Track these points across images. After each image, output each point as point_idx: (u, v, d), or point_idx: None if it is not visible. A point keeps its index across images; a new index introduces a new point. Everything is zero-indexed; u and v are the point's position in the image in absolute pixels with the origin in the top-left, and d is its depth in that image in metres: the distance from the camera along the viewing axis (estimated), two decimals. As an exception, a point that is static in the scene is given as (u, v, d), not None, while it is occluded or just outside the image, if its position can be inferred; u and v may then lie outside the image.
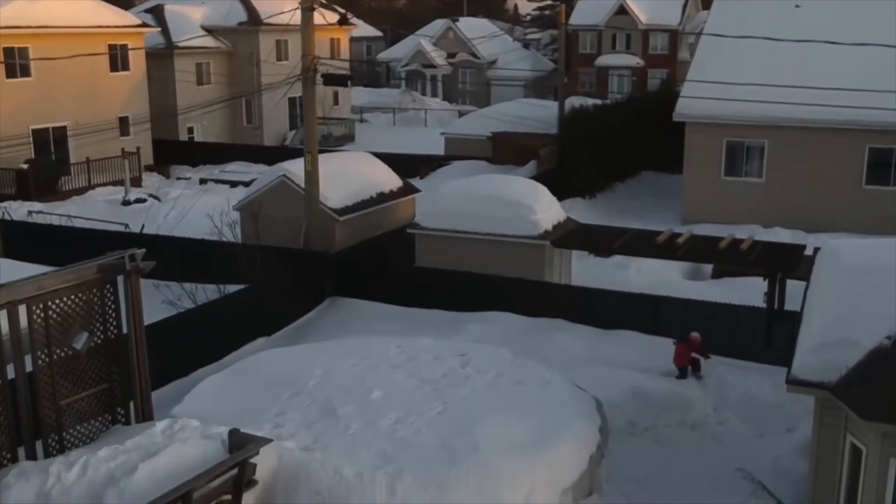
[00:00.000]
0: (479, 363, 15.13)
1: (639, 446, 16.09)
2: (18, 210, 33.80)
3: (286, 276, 21.43)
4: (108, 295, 12.58)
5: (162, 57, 47.27)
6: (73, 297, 12.03)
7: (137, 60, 43.51)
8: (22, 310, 11.42)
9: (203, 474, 10.30)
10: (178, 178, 42.57)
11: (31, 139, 38.39)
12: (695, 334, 18.00)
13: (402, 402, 13.46)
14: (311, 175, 22.37)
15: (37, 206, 34.34)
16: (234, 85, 50.68)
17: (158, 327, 17.06)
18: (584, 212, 33.15)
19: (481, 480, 11.56)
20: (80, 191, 37.81)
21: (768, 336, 19.11)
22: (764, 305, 19.21)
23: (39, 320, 11.68)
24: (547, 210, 21.85)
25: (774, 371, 17.96)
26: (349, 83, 31.08)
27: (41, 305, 11.60)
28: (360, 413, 13.06)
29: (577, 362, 17.82)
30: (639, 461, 15.56)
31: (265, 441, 11.17)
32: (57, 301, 11.85)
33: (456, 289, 20.74)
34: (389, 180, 26.51)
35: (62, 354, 11.96)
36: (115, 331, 12.79)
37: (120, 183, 38.06)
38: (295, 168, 24.19)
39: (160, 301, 20.43)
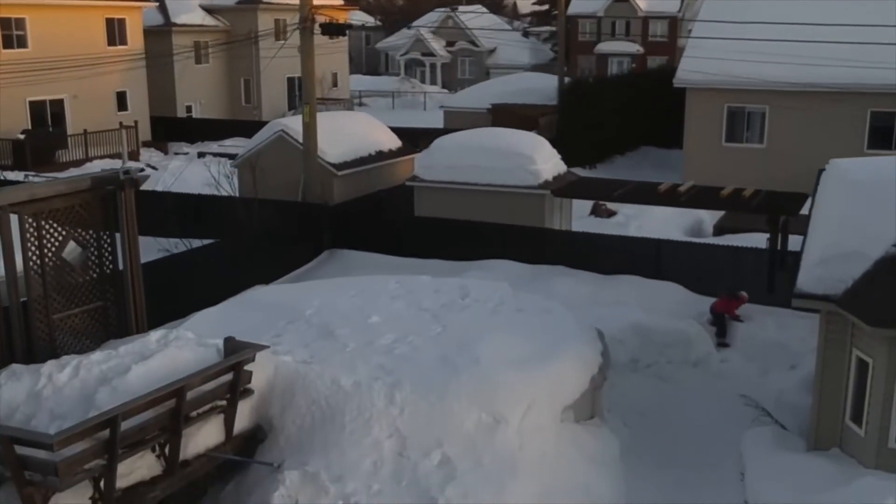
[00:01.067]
0: (479, 294, 14.94)
1: (641, 381, 15.89)
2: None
3: (284, 227, 21.21)
4: (102, 211, 12.38)
5: (160, 35, 47.01)
6: (66, 208, 11.83)
7: (135, 35, 43.29)
8: (14, 219, 11.24)
9: (197, 373, 10.11)
10: (177, 154, 42.32)
11: (27, 111, 38.16)
12: (743, 293, 17.76)
13: (401, 326, 13.26)
14: (310, 127, 22.16)
15: (32, 175, 34.10)
16: (232, 63, 50.47)
17: (152, 267, 16.77)
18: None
19: (481, 391, 11.37)
20: (78, 163, 37.54)
21: (770, 282, 18.89)
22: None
23: (31, 229, 11.48)
24: (547, 161, 21.64)
25: (777, 312, 17.81)
26: (347, 33, 30.70)
27: (33, 213, 11.40)
28: (357, 334, 12.87)
29: (578, 304, 17.59)
30: (640, 395, 15.36)
31: (261, 347, 10.97)
32: (50, 211, 11.65)
33: (455, 237, 20.51)
34: (388, 140, 26.32)
35: (55, 265, 11.77)
36: (110, 248, 12.60)
37: (117, 156, 37.80)
38: (293, 123, 23.98)
39: (157, 249, 20.22)
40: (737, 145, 32.02)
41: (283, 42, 42.01)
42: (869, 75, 28.65)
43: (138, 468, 9.79)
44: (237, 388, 10.64)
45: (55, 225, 11.71)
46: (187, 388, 9.80)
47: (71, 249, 11.88)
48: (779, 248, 18.75)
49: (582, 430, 12.44)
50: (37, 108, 38.81)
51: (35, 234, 11.43)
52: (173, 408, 9.74)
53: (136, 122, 40.54)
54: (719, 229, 24.84)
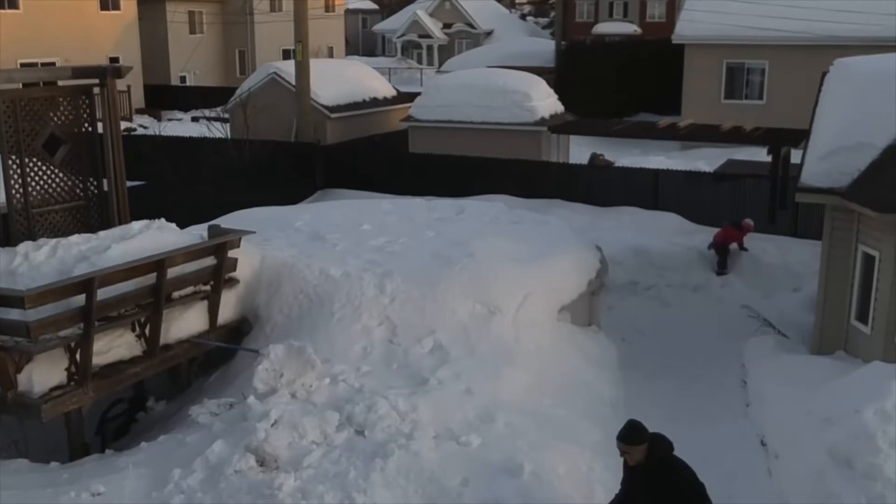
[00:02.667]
0: (475, 211, 14.59)
1: (640, 303, 15.52)
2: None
3: (277, 167, 20.80)
4: (84, 106, 11.95)
5: (154, 3, 46.52)
6: (46, 98, 11.40)
7: (128, 1, 42.81)
8: (-10, 106, 10.81)
9: (179, 249, 9.72)
10: (170, 120, 41.87)
11: (19, 73, 37.63)
12: (748, 221, 17.00)
13: (394, 231, 12.90)
14: (302, 66, 21.73)
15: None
16: (227, 34, 50.01)
17: (138, 191, 16.25)
18: (584, 143, 32.54)
19: (475, 282, 10.99)
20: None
21: (772, 213, 18.53)
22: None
23: (8, 119, 11.05)
24: (543, 98, 21.27)
25: (778, 239, 17.45)
26: None
27: (10, 100, 10.97)
28: (348, 238, 12.50)
29: (575, 231, 17.22)
30: (639, 316, 14.99)
31: (246, 232, 10.58)
32: (29, 99, 11.22)
33: (450, 173, 20.10)
34: (383, 88, 25.95)
35: (33, 155, 11.35)
36: (91, 145, 12.17)
37: (110, 120, 37.29)
38: (286, 66, 23.58)
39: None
40: (736, 102, 31.57)
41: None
42: (869, 29, 28.24)
43: (117, 346, 9.42)
44: (221, 273, 10.26)
45: (34, 114, 11.28)
46: (169, 263, 9.40)
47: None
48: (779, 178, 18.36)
49: (579, 331, 12.08)
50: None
51: (12, 120, 10.99)
52: (154, 283, 9.35)
53: (128, 86, 40.05)
54: (719, 176, 24.42)
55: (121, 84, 38.61)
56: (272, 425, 8.10)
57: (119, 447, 9.31)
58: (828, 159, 11.61)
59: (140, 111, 42.49)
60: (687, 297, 15.89)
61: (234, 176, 20.00)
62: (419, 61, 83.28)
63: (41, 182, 11.49)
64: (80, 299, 8.56)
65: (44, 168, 11.52)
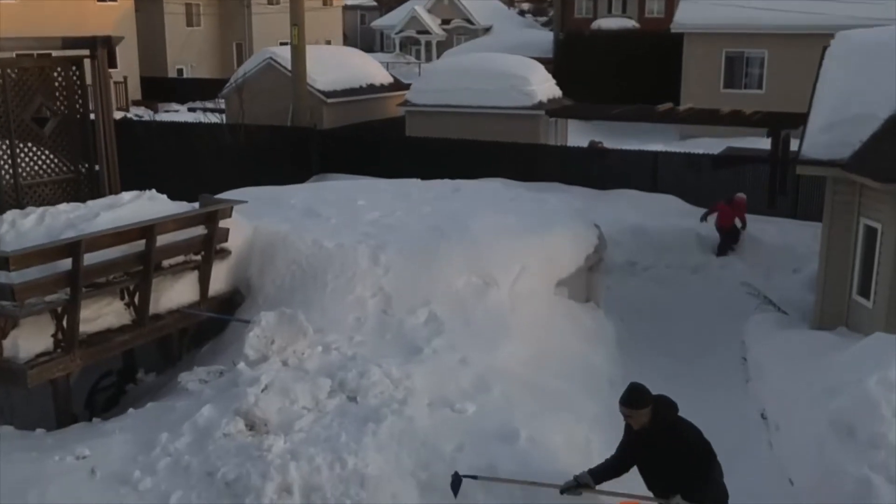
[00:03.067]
0: (471, 189, 14.43)
1: (639, 284, 15.34)
2: None
3: (272, 151, 20.62)
4: (74, 77, 11.77)
5: (152, -7, 46.33)
6: (36, 68, 11.23)
7: (126, -9, 42.67)
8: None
9: (169, 216, 9.54)
10: (167, 112, 41.65)
11: (14, 63, 37.42)
12: (740, 195, 16.46)
13: (389, 206, 12.73)
14: (298, 50, 21.55)
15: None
16: (224, 27, 49.82)
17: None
18: (582, 131, 32.38)
19: (471, 254, 10.81)
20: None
21: (771, 197, 18.40)
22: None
23: (-4, 85, 10.88)
24: (541, 82, 21.10)
25: (778, 221, 17.29)
26: None
27: (-2, 70, 10.80)
28: (342, 213, 12.32)
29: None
30: (638, 296, 14.81)
31: (238, 201, 10.40)
32: (18, 69, 11.05)
33: (446, 157, 19.87)
34: (381, 75, 25.78)
35: (22, 126, 11.16)
36: (82, 118, 11.99)
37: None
38: (282, 51, 23.38)
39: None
40: (735, 91, 31.37)
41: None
42: (868, 17, 28.05)
43: (105, 315, 9.23)
44: (213, 243, 10.06)
45: (23, 85, 11.10)
46: (159, 229, 9.21)
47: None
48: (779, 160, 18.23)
49: (577, 307, 11.90)
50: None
51: (0, 91, 10.81)
52: (143, 251, 9.16)
53: (125, 77, 39.90)
54: (719, 162, 24.25)
55: (117, 75, 38.42)
56: (262, 390, 7.93)
57: (107, 418, 9.12)
58: (829, 131, 11.45)
59: (136, 103, 42.30)
60: (686, 277, 15.71)
61: (229, 160, 19.84)
62: (417, 57, 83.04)
63: (30, 155, 11.32)
64: (66, 263, 8.37)
65: (33, 138, 11.35)
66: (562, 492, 6.98)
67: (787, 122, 18.39)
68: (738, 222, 16.28)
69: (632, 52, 39.20)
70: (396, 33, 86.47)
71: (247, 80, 23.22)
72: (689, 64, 31.87)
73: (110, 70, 36.51)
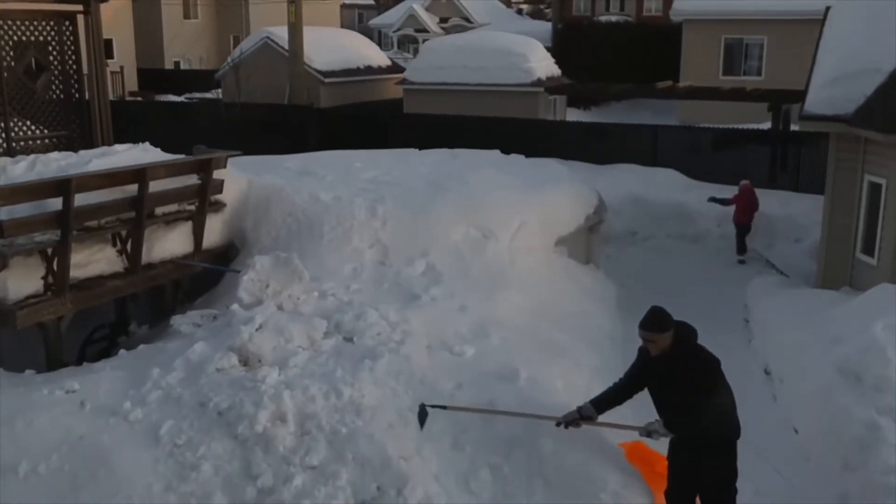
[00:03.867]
0: (470, 154, 14.26)
1: (639, 253, 15.22)
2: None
3: (268, 129, 20.42)
4: (67, 31, 11.60)
5: (148, -15, 46.15)
6: (28, 22, 11.06)
7: (122, -18, 42.43)
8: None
9: (162, 162, 9.36)
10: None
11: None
12: (744, 182, 15.34)
13: (386, 167, 12.56)
14: (296, 28, 21.38)
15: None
16: (221, 20, 49.66)
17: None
18: (580, 117, 32.22)
19: (469, 207, 10.67)
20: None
21: (772, 172, 18.24)
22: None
23: (-13, 39, 10.72)
24: (540, 60, 20.93)
25: (779, 193, 17.12)
26: None
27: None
28: (339, 172, 12.16)
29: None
30: (638, 264, 14.67)
31: (233, 153, 10.22)
32: (10, 22, 10.88)
33: (444, 134, 19.63)
34: (378, 57, 25.64)
35: (15, 81, 11.00)
36: (76, 75, 11.83)
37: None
38: (279, 31, 23.20)
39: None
40: (734, 78, 31.16)
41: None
42: (868, 3, 27.90)
43: (97, 261, 9.04)
44: (206, 193, 9.88)
45: (14, 38, 10.93)
46: (151, 174, 9.03)
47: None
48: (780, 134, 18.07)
49: (577, 266, 11.76)
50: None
51: (-10, 42, 10.66)
52: (135, 196, 8.97)
53: (121, 67, 39.68)
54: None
55: (113, 66, 38.15)
56: (257, 329, 7.74)
57: (98, 364, 8.94)
58: (832, 86, 11.30)
59: (133, 94, 42.07)
60: (686, 247, 15.57)
61: (225, 138, 19.60)
62: (415, 55, 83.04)
63: (22, 109, 11.15)
64: (56, 204, 8.18)
65: (25, 93, 11.19)
66: (559, 424, 6.67)
67: (787, 98, 18.21)
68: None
69: (630, 42, 39.09)
70: (394, 31, 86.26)
71: (243, 59, 23.03)
72: (688, 51, 31.68)
73: (107, 61, 36.39)
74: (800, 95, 18.55)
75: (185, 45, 48.02)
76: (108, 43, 42.02)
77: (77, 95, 11.81)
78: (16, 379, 7.62)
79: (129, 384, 7.20)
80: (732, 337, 11.85)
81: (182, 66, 49.05)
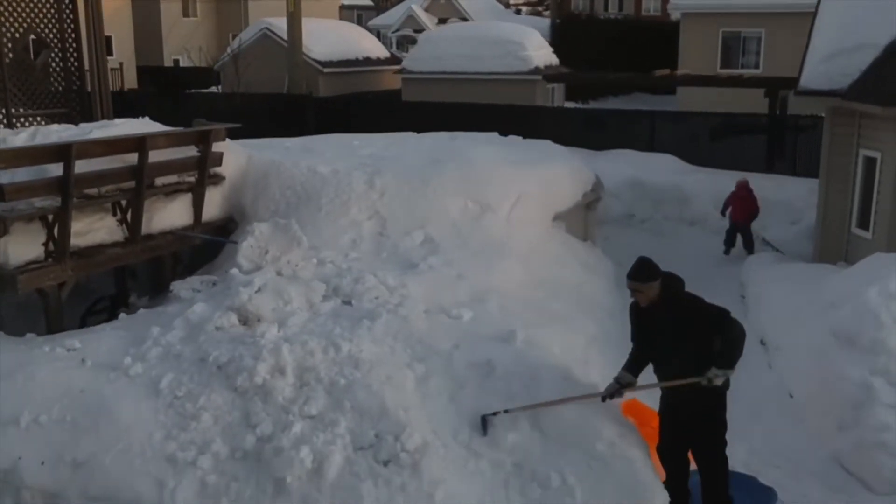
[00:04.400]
0: (468, 137, 14.31)
1: (636, 235, 15.29)
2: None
3: (267, 117, 20.49)
4: (67, 9, 11.69)
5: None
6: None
7: (120, -21, 42.53)
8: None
9: (162, 132, 9.43)
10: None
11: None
12: (740, 180, 14.39)
13: (385, 145, 12.64)
14: (294, 17, 21.47)
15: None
16: (221, 18, 49.75)
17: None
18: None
19: (467, 180, 10.74)
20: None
21: (770, 158, 18.35)
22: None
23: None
24: (538, 49, 21.01)
25: (776, 177, 17.22)
26: None
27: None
28: (338, 150, 12.24)
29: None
30: (636, 246, 14.58)
31: (233, 125, 10.30)
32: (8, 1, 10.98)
33: (443, 121, 19.74)
34: (377, 48, 25.72)
35: (14, 57, 11.09)
36: (75, 54, 11.92)
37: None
38: (278, 22, 23.29)
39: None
40: (732, 71, 31.30)
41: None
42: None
43: (97, 230, 9.10)
44: (206, 165, 9.95)
45: (14, 15, 11.02)
46: (151, 144, 9.09)
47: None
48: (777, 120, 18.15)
49: (575, 241, 11.81)
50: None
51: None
52: (136, 165, 9.04)
53: (121, 63, 39.71)
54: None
55: (112, 62, 38.27)
56: (256, 291, 7.80)
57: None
58: (828, 62, 11.40)
59: (133, 91, 42.14)
60: (683, 230, 15.67)
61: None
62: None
63: (22, 84, 11.23)
64: (57, 170, 8.25)
65: (24, 69, 11.27)
66: (604, 399, 6.53)
67: (784, 84, 18.30)
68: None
69: (628, 37, 39.19)
70: (393, 32, 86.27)
71: (242, 50, 23.12)
72: (686, 44, 31.69)
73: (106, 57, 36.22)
74: (796, 82, 18.75)
75: (183, 42, 48.05)
76: (108, 40, 42.13)
77: (77, 74, 11.89)
78: (16, 340, 7.68)
79: (129, 343, 7.27)
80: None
81: (181, 63, 49.10)
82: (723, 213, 14.48)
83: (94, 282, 10.46)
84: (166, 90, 20.74)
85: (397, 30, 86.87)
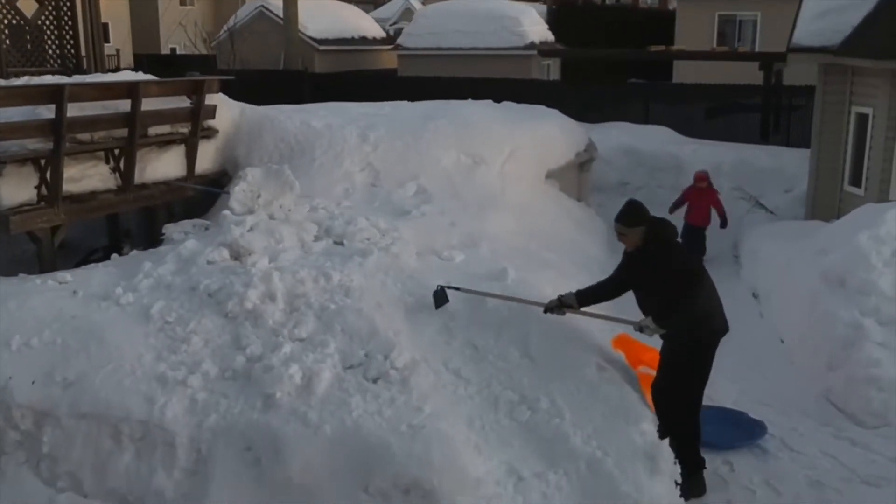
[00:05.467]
0: (462, 103, 14.33)
1: (630, 203, 15.26)
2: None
3: (262, 93, 20.48)
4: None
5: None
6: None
7: (117, -34, 42.49)
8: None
9: (154, 79, 9.44)
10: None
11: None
12: (700, 171, 12.44)
13: (378, 107, 12.66)
14: (290, -6, 21.47)
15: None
16: (218, 6, 49.71)
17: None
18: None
19: (460, 134, 10.79)
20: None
21: (764, 130, 18.37)
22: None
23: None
24: (533, 25, 21.02)
25: (770, 148, 17.24)
26: None
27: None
28: (332, 110, 12.24)
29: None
30: (630, 213, 14.73)
31: (226, 77, 10.31)
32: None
33: (439, 95, 19.75)
34: (373, 28, 25.74)
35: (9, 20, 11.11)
36: (69, 13, 11.92)
37: (98, 82, 36.94)
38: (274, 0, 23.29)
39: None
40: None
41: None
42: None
43: (91, 176, 9.13)
44: (199, 116, 9.97)
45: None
46: (143, 90, 9.11)
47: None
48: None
49: (568, 199, 11.84)
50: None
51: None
52: (129, 112, 9.05)
53: (117, 49, 39.70)
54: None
55: (109, 49, 38.15)
56: (248, 230, 7.82)
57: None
58: (820, 20, 11.44)
59: (129, 78, 42.12)
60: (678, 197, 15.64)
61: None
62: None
63: (15, 40, 11.23)
64: (50, 113, 8.26)
65: (18, 28, 11.28)
66: (545, 311, 6.74)
67: (777, 56, 18.32)
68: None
69: (625, 24, 39.14)
70: (391, 25, 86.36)
71: (239, 27, 23.13)
72: (682, 28, 31.72)
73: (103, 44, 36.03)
74: (789, 40, 18.76)
75: (181, 30, 47.92)
76: (105, 27, 42.08)
77: (71, 34, 11.90)
78: (8, 279, 7.69)
79: (120, 277, 7.29)
80: (721, 270, 11.82)
81: (178, 51, 49.02)
82: (672, 209, 12.05)
83: (87, 237, 10.50)
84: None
85: (395, 23, 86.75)
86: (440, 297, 6.84)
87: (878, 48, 10.36)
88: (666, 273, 6.07)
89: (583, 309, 6.73)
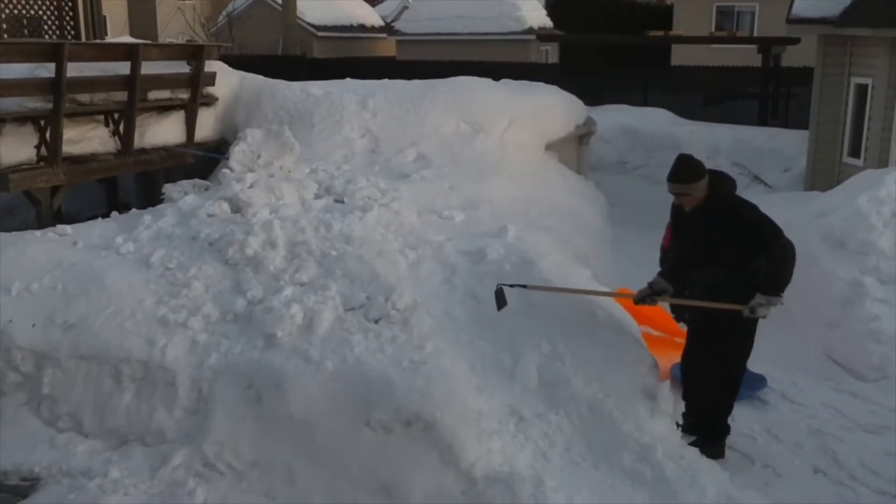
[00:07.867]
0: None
1: (629, 182, 15.31)
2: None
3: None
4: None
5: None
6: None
7: (115, -40, 42.45)
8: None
9: (153, 43, 9.42)
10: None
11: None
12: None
13: (377, 85, 12.63)
14: (288, -21, 21.46)
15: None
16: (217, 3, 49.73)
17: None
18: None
19: (460, 103, 10.81)
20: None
21: (762, 114, 18.40)
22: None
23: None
24: (531, 10, 21.04)
25: (768, 129, 17.25)
26: None
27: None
28: (329, 85, 12.21)
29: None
30: (629, 191, 14.75)
31: (225, 44, 10.29)
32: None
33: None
34: (371, 16, 25.77)
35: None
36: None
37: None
38: (272, -15, 23.30)
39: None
40: (726, 47, 31.34)
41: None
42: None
43: (90, 139, 9.14)
44: (199, 82, 9.98)
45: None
46: (143, 52, 9.10)
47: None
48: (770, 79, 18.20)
49: (567, 170, 11.84)
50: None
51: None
52: (128, 75, 9.05)
53: (115, 42, 39.71)
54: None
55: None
56: (249, 187, 7.81)
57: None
58: (820, -10, 11.42)
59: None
60: (676, 178, 15.67)
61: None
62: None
63: (15, 35, 11.21)
64: (50, 72, 8.25)
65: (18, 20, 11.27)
66: (636, 302, 5.96)
67: (776, 40, 18.38)
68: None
69: (624, 14, 39.18)
70: (389, 21, 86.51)
71: (237, 13, 23.13)
72: (680, 19, 31.77)
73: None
74: (788, 40, 18.80)
75: (179, 25, 47.83)
76: (103, 21, 42.02)
77: (70, 4, 11.88)
78: (8, 233, 7.69)
79: (120, 230, 7.28)
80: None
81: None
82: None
83: (86, 207, 10.49)
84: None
85: (393, 20, 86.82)
86: (501, 298, 6.14)
87: (878, 17, 10.37)
88: (748, 226, 5.42)
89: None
